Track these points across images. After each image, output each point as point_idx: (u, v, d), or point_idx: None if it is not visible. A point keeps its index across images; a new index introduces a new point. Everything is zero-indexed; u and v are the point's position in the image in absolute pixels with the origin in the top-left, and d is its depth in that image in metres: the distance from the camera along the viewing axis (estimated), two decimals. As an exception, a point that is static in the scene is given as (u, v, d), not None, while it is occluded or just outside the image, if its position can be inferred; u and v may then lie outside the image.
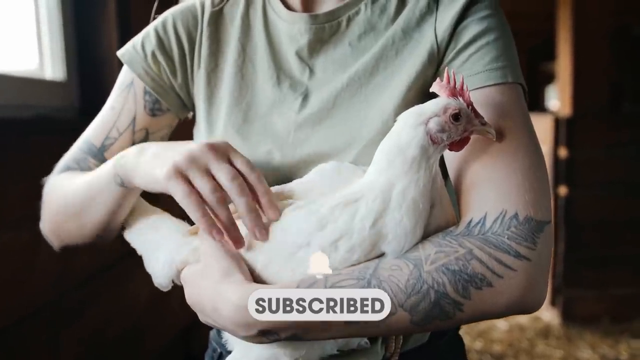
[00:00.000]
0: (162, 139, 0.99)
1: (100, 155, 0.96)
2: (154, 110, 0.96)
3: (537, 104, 9.13)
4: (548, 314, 3.94)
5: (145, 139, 0.97)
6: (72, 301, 1.54)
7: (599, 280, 3.78)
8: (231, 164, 0.72)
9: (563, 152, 3.70)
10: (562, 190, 3.74)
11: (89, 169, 0.94)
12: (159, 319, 2.13)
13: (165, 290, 0.82)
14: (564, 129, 3.68)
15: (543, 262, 0.68)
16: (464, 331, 3.77)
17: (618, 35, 4.96)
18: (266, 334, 0.66)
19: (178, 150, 0.72)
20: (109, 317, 1.76)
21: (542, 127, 3.81)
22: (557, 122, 3.72)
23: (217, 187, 0.70)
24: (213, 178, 0.70)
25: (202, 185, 0.69)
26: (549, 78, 8.85)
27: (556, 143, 3.74)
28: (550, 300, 3.89)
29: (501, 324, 3.86)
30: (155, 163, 0.75)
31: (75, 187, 0.89)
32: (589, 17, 3.77)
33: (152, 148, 0.79)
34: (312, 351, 0.74)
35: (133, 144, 0.95)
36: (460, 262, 0.65)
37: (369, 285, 0.65)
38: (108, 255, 1.71)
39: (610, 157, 3.72)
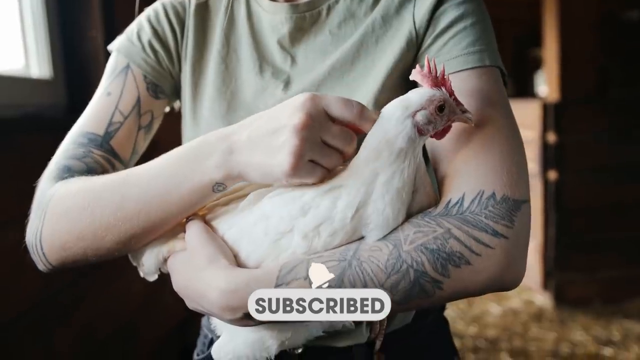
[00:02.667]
0: (158, 125, 0.99)
1: (105, 144, 0.90)
2: (157, 92, 0.96)
3: (526, 90, 9.16)
4: (541, 298, 3.99)
5: (151, 123, 0.96)
6: (65, 298, 1.55)
7: (589, 263, 3.83)
8: (328, 115, 0.68)
9: (552, 138, 3.73)
10: (552, 175, 3.77)
11: (95, 162, 0.87)
12: (155, 312, 2.14)
13: (151, 279, 0.83)
14: (552, 115, 3.71)
15: (521, 240, 0.69)
16: (458, 316, 3.83)
17: (605, 21, 4.98)
18: (251, 317, 0.68)
19: (285, 132, 0.65)
20: (104, 313, 1.77)
21: (531, 113, 3.84)
22: (545, 107, 3.75)
23: (339, 155, 0.69)
24: (326, 144, 0.68)
25: (329, 162, 0.68)
26: (539, 64, 8.87)
27: (545, 128, 3.77)
28: (542, 284, 3.94)
29: (495, 309, 3.90)
30: (266, 147, 0.67)
31: (132, 191, 0.75)
32: (574, 3, 3.80)
33: (243, 135, 0.69)
34: (297, 333, 0.75)
35: (139, 128, 0.94)
36: (439, 241, 0.66)
37: (349, 266, 0.66)
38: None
39: (599, 142, 3.75)
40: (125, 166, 0.92)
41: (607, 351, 3.22)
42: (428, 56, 0.71)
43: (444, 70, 0.70)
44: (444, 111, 0.69)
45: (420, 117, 0.68)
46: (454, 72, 0.79)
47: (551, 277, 3.88)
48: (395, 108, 0.69)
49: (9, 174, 1.33)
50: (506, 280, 0.68)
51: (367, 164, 0.69)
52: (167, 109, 1.04)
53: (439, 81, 0.70)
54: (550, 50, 3.93)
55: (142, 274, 0.84)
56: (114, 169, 0.90)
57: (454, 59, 0.80)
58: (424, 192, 0.72)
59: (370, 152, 0.69)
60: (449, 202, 0.70)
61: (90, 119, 0.92)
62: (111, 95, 0.92)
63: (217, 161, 0.70)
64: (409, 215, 0.70)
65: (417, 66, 0.71)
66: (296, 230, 0.69)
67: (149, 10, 0.99)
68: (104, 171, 0.86)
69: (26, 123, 1.52)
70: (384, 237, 0.68)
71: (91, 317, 1.68)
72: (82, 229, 0.76)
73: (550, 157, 3.76)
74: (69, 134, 0.92)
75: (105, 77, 0.95)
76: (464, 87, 0.77)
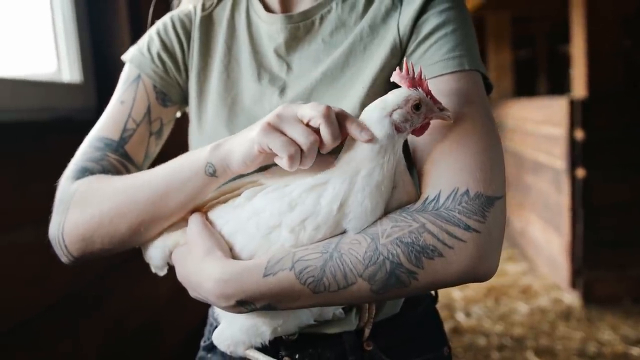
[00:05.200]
0: (168, 131, 1.08)
1: (120, 148, 0.98)
2: (165, 101, 1.04)
3: (562, 86, 9.00)
4: (569, 296, 3.95)
5: (161, 129, 1.04)
6: (91, 294, 1.64)
7: (618, 261, 3.77)
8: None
9: (580, 134, 3.69)
10: (580, 172, 3.73)
11: (110, 165, 0.96)
12: (179, 311, 2.21)
13: (161, 273, 0.91)
14: (580, 111, 3.67)
15: (493, 234, 0.73)
16: (485, 314, 3.83)
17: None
18: (243, 304, 0.75)
19: (263, 119, 0.75)
20: (129, 309, 1.86)
21: (558, 110, 3.80)
22: (573, 104, 3.71)
23: (311, 130, 0.73)
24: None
25: (299, 131, 0.72)
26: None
27: (572, 125, 3.73)
28: (570, 282, 3.90)
29: (522, 307, 3.89)
30: (246, 133, 0.78)
31: (142, 182, 0.87)
32: (602, -1, 3.75)
33: (236, 135, 0.81)
34: (289, 320, 0.82)
35: (151, 134, 1.02)
36: (413, 235, 0.71)
37: (331, 257, 0.72)
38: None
39: (627, 138, 3.69)
40: (139, 169, 1.01)
41: (635, 351, 3.18)
42: (408, 61, 0.76)
43: (421, 72, 0.75)
44: (421, 109, 0.74)
45: (397, 115, 0.74)
46: (435, 77, 0.84)
47: (579, 275, 3.84)
48: (374, 108, 0.75)
49: (42, 174, 1.42)
50: (478, 271, 0.73)
51: (350, 161, 0.75)
52: (179, 114, 1.12)
53: (416, 82, 0.75)
54: (578, 46, 3.89)
55: (153, 269, 0.92)
56: (128, 172, 0.98)
57: (435, 64, 0.85)
58: (403, 189, 0.77)
59: (352, 150, 0.75)
60: (427, 198, 0.75)
61: (106, 124, 1.01)
62: (124, 103, 1.01)
63: (208, 149, 0.82)
64: (388, 211, 0.76)
65: (397, 69, 0.77)
66: (284, 225, 0.76)
67: (158, 24, 1.07)
68: (118, 173, 0.96)
69: (58, 126, 1.63)
70: (364, 231, 0.74)
71: (116, 313, 1.77)
72: (101, 216, 0.87)
73: (578, 154, 3.72)
74: (87, 137, 1.01)
75: (119, 86, 1.04)
76: (444, 89, 0.82)
